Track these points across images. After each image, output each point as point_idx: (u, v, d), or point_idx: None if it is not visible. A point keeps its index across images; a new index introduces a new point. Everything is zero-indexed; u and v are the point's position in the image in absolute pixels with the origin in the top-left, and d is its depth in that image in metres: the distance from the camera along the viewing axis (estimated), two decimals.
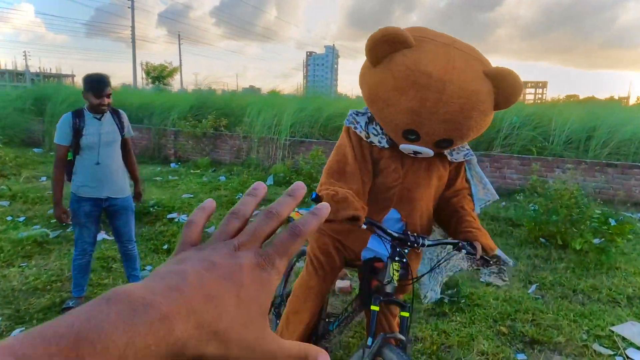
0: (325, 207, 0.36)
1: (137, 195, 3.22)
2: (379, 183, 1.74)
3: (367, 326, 1.70)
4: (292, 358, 0.32)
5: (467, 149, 1.83)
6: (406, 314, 1.63)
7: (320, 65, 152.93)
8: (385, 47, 1.48)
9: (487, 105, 1.52)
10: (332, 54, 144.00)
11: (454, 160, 1.78)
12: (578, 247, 4.01)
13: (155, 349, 0.24)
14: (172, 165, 9.00)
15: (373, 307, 1.60)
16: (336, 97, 17.41)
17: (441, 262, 1.82)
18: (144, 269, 3.64)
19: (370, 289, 1.69)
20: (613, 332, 2.75)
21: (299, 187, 0.37)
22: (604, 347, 2.60)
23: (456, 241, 1.60)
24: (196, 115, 9.96)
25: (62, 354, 0.21)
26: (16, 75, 49.44)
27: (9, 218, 4.76)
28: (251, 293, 0.29)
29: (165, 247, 4.14)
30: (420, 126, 1.55)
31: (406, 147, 1.64)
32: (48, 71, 56.95)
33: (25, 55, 59.29)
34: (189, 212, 5.20)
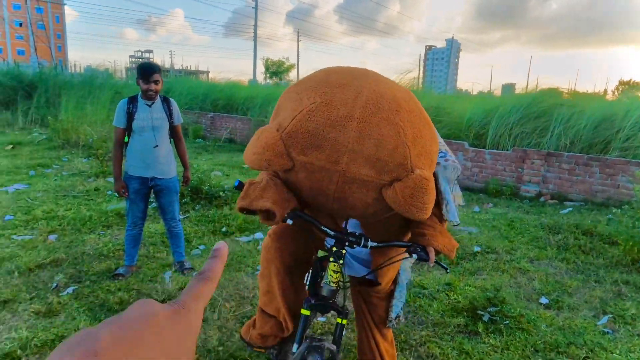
0: (223, 247, 0.38)
1: (185, 180, 3.41)
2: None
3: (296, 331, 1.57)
4: None
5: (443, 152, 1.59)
6: (343, 321, 1.49)
7: (440, 60, 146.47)
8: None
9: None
10: (452, 47, 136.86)
11: None
12: None
13: None
14: None
15: (303, 311, 1.47)
16: (455, 93, 16.34)
17: (384, 265, 1.58)
18: (197, 248, 3.90)
19: (310, 291, 1.55)
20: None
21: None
22: None
23: (408, 244, 1.44)
24: None
25: None
26: (165, 73, 57.06)
27: (109, 192, 5.50)
28: (172, 336, 0.31)
29: (224, 229, 4.37)
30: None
31: None
32: (188, 68, 64.43)
33: (171, 55, 67.96)
34: None
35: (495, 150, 7.09)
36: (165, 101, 3.19)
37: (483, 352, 2.43)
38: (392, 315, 1.77)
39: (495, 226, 4.89)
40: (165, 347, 0.30)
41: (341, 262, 1.45)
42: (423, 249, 1.42)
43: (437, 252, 1.44)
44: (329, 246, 1.62)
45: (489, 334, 2.61)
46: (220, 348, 2.38)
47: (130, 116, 3.05)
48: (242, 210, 1.35)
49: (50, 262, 3.39)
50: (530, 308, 2.94)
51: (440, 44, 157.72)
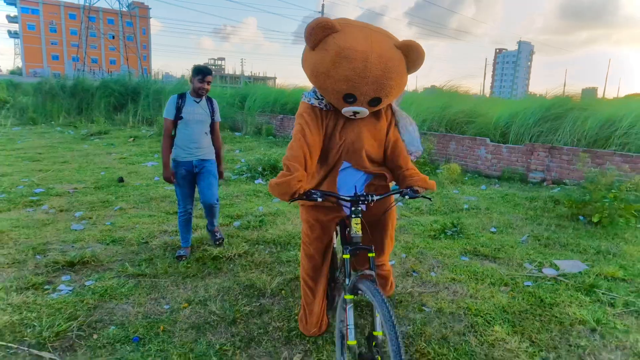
0: None
1: (219, 175, 3.72)
2: (329, 142, 2.19)
3: (344, 271, 2.03)
4: None
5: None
6: (372, 254, 1.99)
7: (511, 63, 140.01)
8: (319, 32, 1.92)
9: (401, 68, 1.98)
10: (524, 50, 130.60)
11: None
12: (595, 220, 4.76)
13: None
14: None
15: (344, 256, 1.99)
16: (526, 97, 15.75)
17: (391, 206, 2.38)
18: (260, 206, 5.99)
19: (344, 242, 2.14)
20: (554, 263, 3.81)
21: None
22: (530, 265, 3.74)
23: (400, 190, 2.06)
24: None
25: None
26: (235, 79, 61.49)
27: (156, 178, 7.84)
28: None
29: None
30: (355, 89, 1.94)
31: (347, 110, 2.04)
32: (257, 75, 68.70)
33: (242, 62, 72.68)
34: None
35: (510, 145, 8.59)
36: (209, 100, 3.58)
37: (438, 245, 4.24)
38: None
39: (492, 197, 6.52)
40: None
41: (359, 216, 1.96)
42: (411, 190, 2.02)
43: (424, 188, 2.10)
44: (347, 208, 2.16)
45: (446, 239, 4.40)
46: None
47: (179, 110, 3.41)
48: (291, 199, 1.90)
49: None
50: (480, 231, 4.68)
51: (513, 47, 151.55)
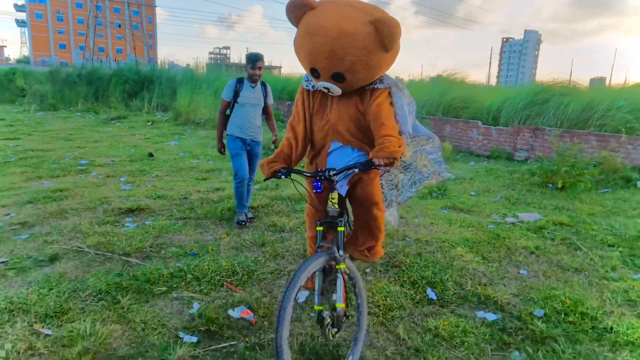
0: None
1: (274, 141, 4.22)
2: (316, 121, 2.29)
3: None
4: None
5: (388, 81, 2.20)
6: (341, 229, 2.04)
7: (517, 52, 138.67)
8: (297, 10, 2.00)
9: (366, 44, 1.91)
10: (531, 39, 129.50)
11: (374, 88, 2.16)
12: (560, 185, 5.63)
13: None
14: None
15: (318, 228, 2.11)
16: (532, 85, 15.91)
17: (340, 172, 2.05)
18: None
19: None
20: (516, 214, 4.68)
21: None
22: (499, 216, 4.62)
23: (355, 164, 1.97)
24: None
25: None
26: (240, 68, 62.10)
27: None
28: None
29: None
30: (315, 63, 2.01)
31: (319, 85, 2.10)
32: None
33: (247, 51, 73.17)
34: None
35: (500, 127, 9.42)
36: (264, 85, 3.98)
37: (424, 203, 5.11)
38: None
39: (477, 171, 7.38)
40: None
41: (319, 191, 2.00)
42: (367, 163, 1.89)
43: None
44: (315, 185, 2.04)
45: (432, 199, 5.29)
46: None
47: (236, 93, 3.83)
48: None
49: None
50: (462, 195, 5.56)
51: (520, 35, 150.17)
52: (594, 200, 5.36)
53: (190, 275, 2.95)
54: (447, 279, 3.02)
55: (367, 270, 3.16)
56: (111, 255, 3.27)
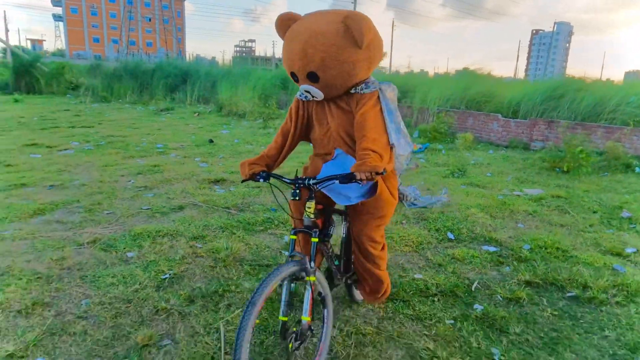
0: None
1: None
2: (317, 130, 2.28)
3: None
4: None
5: (376, 84, 2.18)
6: (315, 239, 2.01)
7: (546, 45, 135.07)
8: (283, 25, 2.14)
9: (336, 41, 1.96)
10: (562, 31, 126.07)
11: (361, 93, 2.13)
12: (565, 169, 6.64)
13: None
14: None
15: (291, 236, 2.09)
16: (562, 79, 15.57)
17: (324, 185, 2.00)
18: None
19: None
20: (523, 189, 5.73)
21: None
22: (508, 190, 5.68)
23: (335, 175, 1.93)
24: None
25: None
26: (266, 61, 63.63)
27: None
28: None
29: None
30: (292, 67, 2.09)
31: (301, 89, 2.14)
32: None
33: (273, 45, 74.49)
34: None
35: (518, 120, 10.34)
36: None
37: (447, 180, 6.20)
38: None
39: (495, 158, 8.39)
40: None
41: (297, 198, 1.98)
42: (348, 175, 1.86)
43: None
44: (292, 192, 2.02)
45: (453, 178, 6.36)
46: None
47: None
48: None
49: None
50: (479, 175, 6.62)
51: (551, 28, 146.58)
52: (593, 181, 6.34)
53: (276, 221, 4.18)
54: (462, 227, 4.16)
55: (403, 221, 4.32)
56: (217, 208, 4.53)
